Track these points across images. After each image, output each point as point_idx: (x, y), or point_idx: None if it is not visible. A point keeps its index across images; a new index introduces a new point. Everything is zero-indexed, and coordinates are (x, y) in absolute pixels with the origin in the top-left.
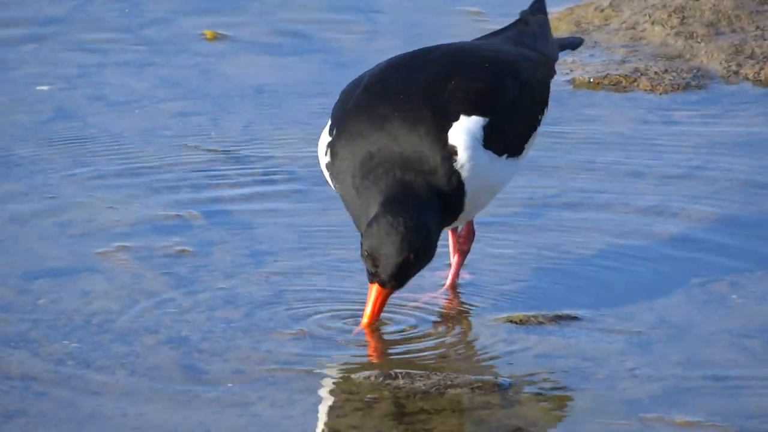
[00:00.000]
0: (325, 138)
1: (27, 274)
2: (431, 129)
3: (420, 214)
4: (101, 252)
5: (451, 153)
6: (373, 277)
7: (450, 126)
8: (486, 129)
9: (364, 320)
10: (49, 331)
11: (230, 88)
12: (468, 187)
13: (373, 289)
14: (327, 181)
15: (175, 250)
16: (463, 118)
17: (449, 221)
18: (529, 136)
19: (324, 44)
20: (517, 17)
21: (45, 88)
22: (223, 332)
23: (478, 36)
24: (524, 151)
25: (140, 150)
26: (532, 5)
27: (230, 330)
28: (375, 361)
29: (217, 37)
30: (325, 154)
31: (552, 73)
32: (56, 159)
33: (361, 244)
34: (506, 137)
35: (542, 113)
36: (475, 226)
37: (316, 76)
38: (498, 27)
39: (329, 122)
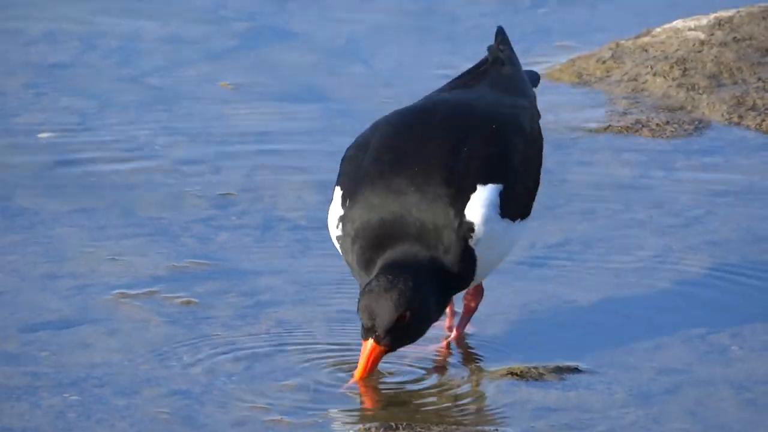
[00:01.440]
0: (336, 210)
1: (28, 326)
2: (448, 206)
3: (420, 280)
4: (102, 303)
5: (467, 229)
6: (367, 332)
7: (468, 199)
8: (502, 196)
9: (357, 375)
10: (50, 383)
11: (233, 136)
12: (481, 260)
13: (368, 345)
14: (337, 249)
15: (176, 301)
16: (480, 188)
17: (455, 293)
18: (536, 193)
19: (326, 93)
20: (486, 54)
21: (46, 135)
22: (223, 384)
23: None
24: (531, 211)
25: (141, 198)
26: (496, 37)
27: (231, 382)
28: (370, 413)
29: (229, 87)
30: (337, 227)
31: (539, 115)
32: (57, 208)
33: (359, 301)
34: (520, 200)
35: (541, 165)
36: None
37: (318, 124)
38: None
39: (339, 192)
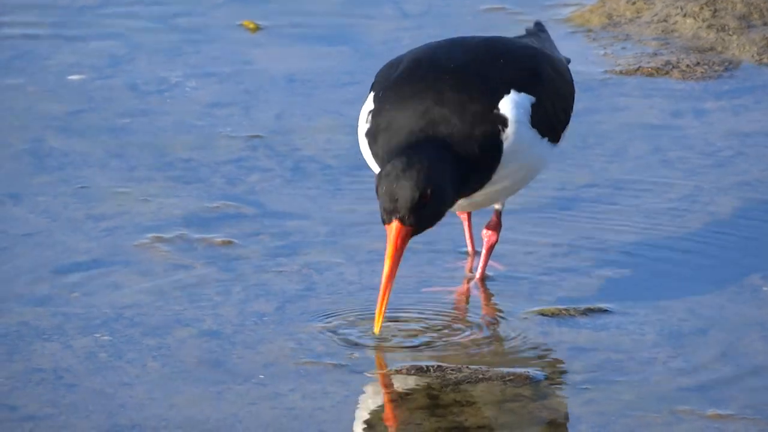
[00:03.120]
0: (367, 106)
1: (59, 267)
2: (482, 97)
3: (436, 159)
4: (134, 245)
5: (498, 121)
6: (390, 215)
7: (501, 97)
8: (534, 107)
9: (386, 261)
10: (82, 324)
11: (262, 78)
12: (504, 160)
13: (393, 227)
14: (364, 157)
15: (207, 242)
16: (513, 92)
17: (471, 189)
18: (566, 125)
19: (355, 35)
20: (525, 32)
21: (76, 77)
22: (255, 325)
23: (509, 32)
24: (560, 141)
25: (173, 140)
26: (535, 25)
27: (262, 323)
28: (400, 354)
29: (258, 28)
30: (366, 122)
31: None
32: (88, 150)
33: (378, 182)
34: (549, 119)
35: (571, 108)
36: (504, 217)
37: (347, 66)
38: (524, 20)
39: (372, 93)
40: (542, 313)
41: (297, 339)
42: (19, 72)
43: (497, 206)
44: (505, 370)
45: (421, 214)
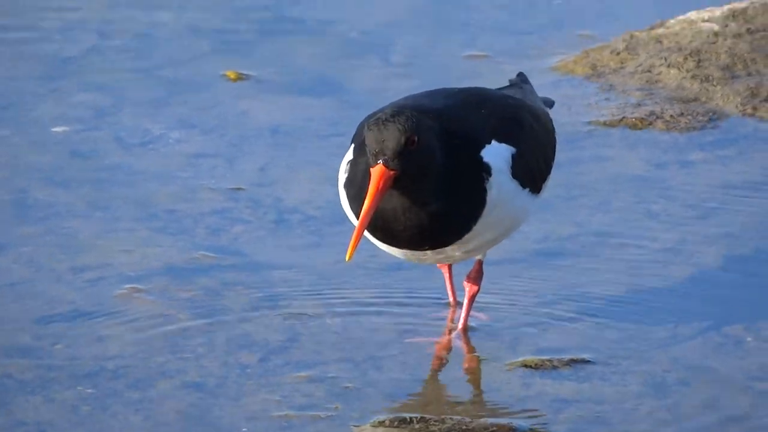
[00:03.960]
0: (346, 158)
1: (42, 318)
2: (467, 143)
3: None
4: (117, 295)
5: (483, 170)
6: (376, 157)
7: (483, 147)
8: (515, 158)
9: (366, 203)
10: (64, 376)
11: (246, 130)
12: (487, 210)
13: (377, 169)
14: (343, 208)
15: (190, 294)
16: (494, 143)
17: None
18: (547, 176)
19: (339, 84)
20: (508, 83)
21: (60, 129)
22: (238, 377)
23: (492, 79)
24: (541, 191)
25: (156, 192)
26: (517, 76)
27: (245, 375)
28: (383, 406)
29: (241, 78)
30: (345, 172)
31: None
32: (72, 201)
33: (366, 128)
34: (530, 170)
35: (553, 160)
36: (487, 267)
37: (331, 117)
38: (508, 69)
39: (351, 145)
40: (525, 364)
41: (280, 391)
42: (4, 123)
43: (478, 256)
44: (489, 420)
45: (407, 160)
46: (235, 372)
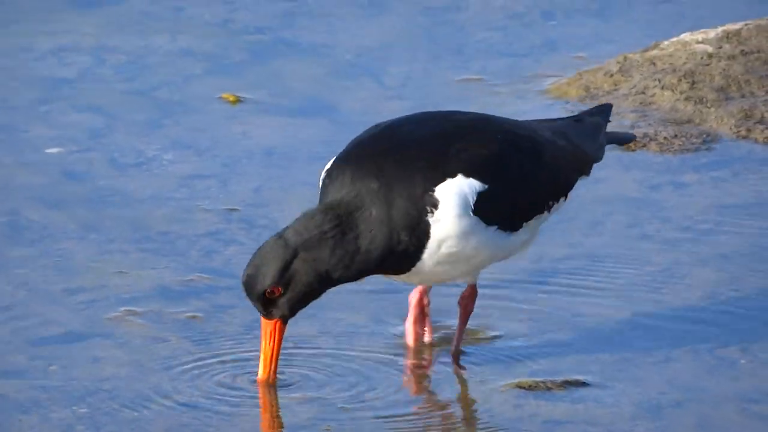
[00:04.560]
0: (326, 166)
1: (37, 340)
2: (420, 176)
3: (301, 242)
4: (111, 317)
5: (429, 204)
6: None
7: (443, 180)
8: (481, 195)
9: (261, 356)
10: (60, 397)
11: (240, 151)
12: (432, 244)
13: (262, 324)
14: None
15: (184, 315)
16: (460, 177)
17: (392, 269)
18: (531, 216)
19: (333, 106)
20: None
21: (54, 150)
22: (231, 397)
23: (486, 102)
24: (523, 230)
25: (150, 213)
26: (595, 107)
27: (239, 395)
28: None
29: (239, 101)
30: (321, 181)
31: (583, 171)
32: (65, 223)
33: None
34: (502, 209)
35: (556, 201)
36: (478, 287)
37: (325, 138)
38: (502, 92)
39: (331, 159)
40: (519, 386)
41: (273, 411)
42: None
43: (469, 280)
44: None
45: (283, 305)
46: (229, 393)
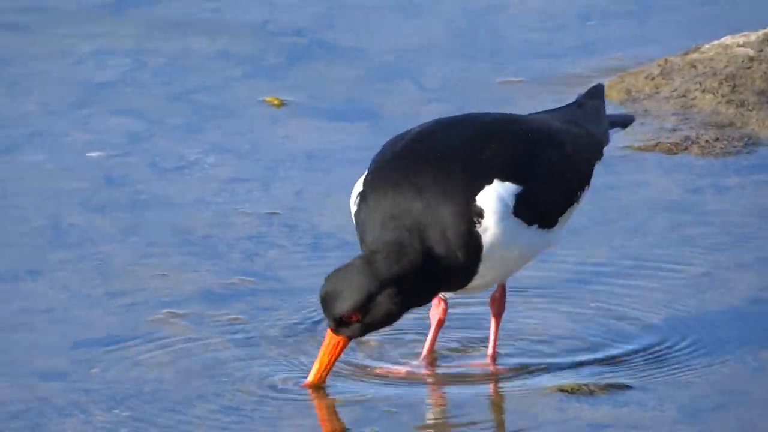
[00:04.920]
0: (357, 187)
1: (78, 343)
2: (460, 188)
3: (391, 277)
4: (153, 320)
5: (475, 215)
6: (327, 320)
7: (482, 188)
8: (519, 197)
9: (313, 368)
10: (101, 400)
11: (281, 154)
12: (487, 252)
13: (327, 335)
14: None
15: (225, 318)
16: (496, 182)
17: (454, 286)
18: (565, 210)
19: (374, 109)
20: (573, 100)
21: (95, 154)
22: (274, 400)
23: (526, 105)
24: (558, 224)
25: (191, 217)
26: (588, 90)
27: (282, 398)
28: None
29: (283, 104)
30: (354, 203)
31: (598, 155)
32: (106, 227)
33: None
34: (539, 207)
35: (582, 190)
36: (523, 293)
37: (366, 142)
38: (542, 94)
39: (365, 173)
40: (561, 389)
41: (316, 414)
42: (38, 149)
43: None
44: None
45: (354, 330)
46: (272, 395)
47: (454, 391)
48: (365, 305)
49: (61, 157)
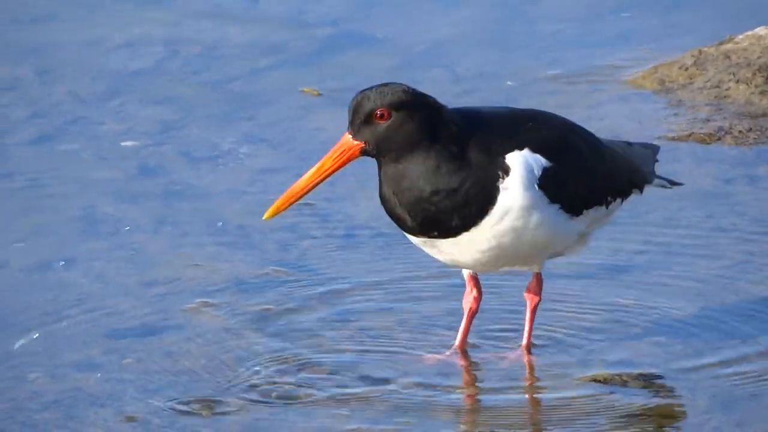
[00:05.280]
0: None
1: (112, 333)
2: (500, 144)
3: (431, 115)
4: (186, 309)
5: (501, 169)
6: (349, 125)
7: (513, 150)
8: (546, 170)
9: (316, 165)
10: (135, 389)
11: (314, 144)
12: (497, 211)
13: (342, 139)
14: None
15: (260, 308)
16: (527, 150)
17: (453, 226)
18: (592, 204)
19: None
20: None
21: (129, 143)
22: (308, 389)
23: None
24: (582, 217)
25: (225, 206)
26: (644, 143)
27: (316, 388)
28: (453, 422)
29: (319, 94)
30: None
31: (638, 186)
32: (140, 216)
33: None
34: (565, 188)
35: (614, 200)
36: (556, 281)
37: None
38: (578, 83)
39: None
40: (595, 379)
41: (349, 406)
42: (72, 138)
43: (534, 269)
44: None
45: (373, 134)
46: (305, 385)
47: (487, 379)
48: (398, 108)
49: (96, 146)
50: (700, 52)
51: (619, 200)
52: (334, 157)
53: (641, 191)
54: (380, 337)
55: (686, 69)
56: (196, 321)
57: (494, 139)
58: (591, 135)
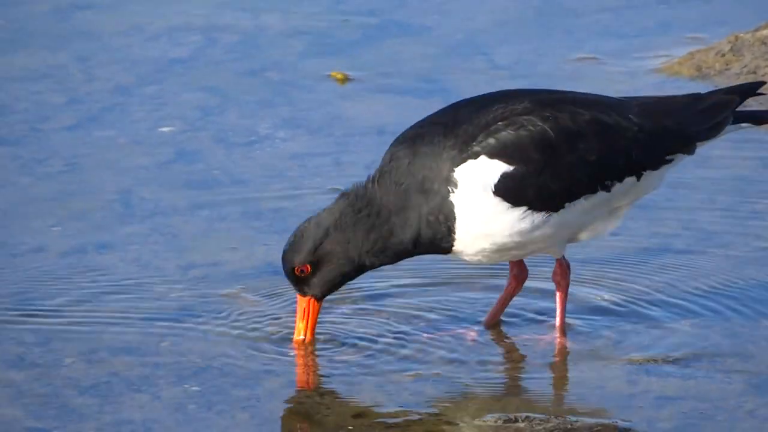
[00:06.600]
0: None
1: (149, 317)
2: (452, 156)
3: (357, 225)
4: (223, 293)
5: (451, 185)
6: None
7: (463, 162)
8: (505, 176)
9: (297, 327)
10: (171, 374)
11: (352, 130)
12: (461, 224)
13: (298, 300)
14: None
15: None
16: (483, 158)
17: (434, 251)
18: (577, 196)
19: (445, 86)
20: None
21: (166, 129)
22: (344, 375)
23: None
24: (568, 209)
25: (262, 191)
26: (737, 85)
27: (351, 373)
28: (488, 404)
29: (348, 80)
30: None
31: (680, 149)
32: (178, 201)
33: None
34: (531, 190)
35: (619, 181)
36: (593, 266)
37: None
38: (615, 71)
39: None
40: (630, 362)
41: (386, 389)
42: (110, 124)
43: (555, 256)
44: (592, 420)
45: (311, 284)
46: (340, 370)
47: (521, 360)
48: (311, 255)
49: (134, 131)
50: (737, 38)
51: (633, 178)
52: (303, 320)
53: (690, 152)
54: (412, 320)
55: (723, 55)
56: (233, 305)
57: (446, 153)
58: (596, 115)
